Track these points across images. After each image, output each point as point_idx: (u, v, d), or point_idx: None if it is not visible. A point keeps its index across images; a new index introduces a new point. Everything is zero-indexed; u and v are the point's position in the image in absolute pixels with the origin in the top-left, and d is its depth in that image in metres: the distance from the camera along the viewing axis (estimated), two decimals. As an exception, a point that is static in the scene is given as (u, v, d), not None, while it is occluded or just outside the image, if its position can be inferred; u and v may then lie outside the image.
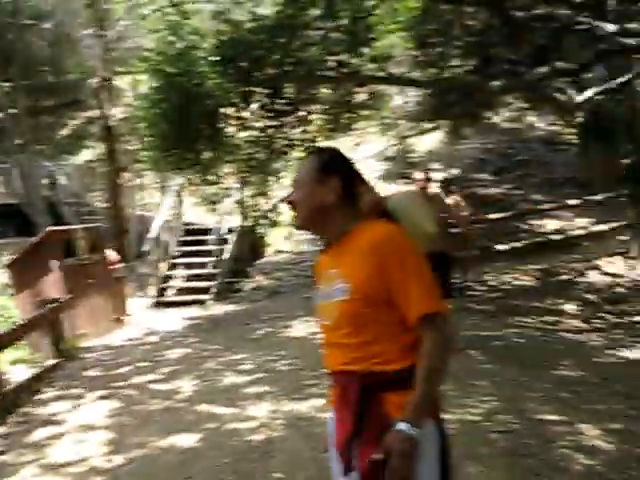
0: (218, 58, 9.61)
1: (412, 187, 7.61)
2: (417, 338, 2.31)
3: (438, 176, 17.93)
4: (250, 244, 15.50)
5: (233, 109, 10.59)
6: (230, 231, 15.08)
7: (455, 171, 19.34)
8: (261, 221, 13.01)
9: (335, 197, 2.44)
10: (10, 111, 17.90)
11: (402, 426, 2.18)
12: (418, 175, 7.83)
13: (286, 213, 13.45)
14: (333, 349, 2.45)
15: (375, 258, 2.31)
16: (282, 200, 13.15)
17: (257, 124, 11.18)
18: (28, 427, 6.47)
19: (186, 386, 7.33)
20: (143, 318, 12.13)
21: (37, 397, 7.45)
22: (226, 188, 12.31)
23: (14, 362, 8.94)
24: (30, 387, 7.63)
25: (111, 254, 11.91)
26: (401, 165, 18.82)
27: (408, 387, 2.26)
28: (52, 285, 10.01)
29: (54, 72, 26.96)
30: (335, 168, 2.49)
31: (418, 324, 2.29)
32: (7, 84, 19.83)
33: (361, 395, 2.31)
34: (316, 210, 2.45)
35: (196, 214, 16.03)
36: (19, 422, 6.67)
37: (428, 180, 7.91)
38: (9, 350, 8.33)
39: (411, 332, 2.32)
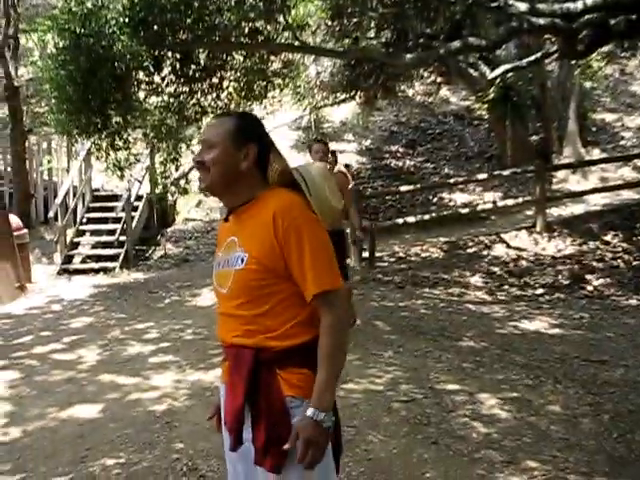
0: (129, 20, 9.33)
1: (310, 158, 7.49)
2: (314, 313, 2.29)
3: (349, 148, 18.05)
4: (160, 212, 15.25)
5: (144, 73, 10.33)
6: (139, 198, 14.79)
7: (368, 142, 19.46)
8: (171, 188, 12.75)
9: (250, 163, 2.38)
10: None
11: (313, 413, 2.17)
12: (317, 146, 7.64)
13: (196, 181, 13.31)
14: (227, 319, 2.40)
15: (274, 228, 2.26)
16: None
17: (169, 89, 10.93)
18: None
19: (89, 356, 7.19)
20: (48, 286, 11.78)
21: None
22: (135, 154, 12.02)
23: None
24: None
25: (14, 219, 11.51)
26: (314, 135, 18.79)
27: (302, 363, 2.25)
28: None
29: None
30: (252, 134, 2.42)
31: (314, 301, 2.27)
32: None
33: (253, 370, 2.28)
34: (228, 175, 2.37)
35: (105, 180, 15.65)
36: None
37: (328, 152, 7.82)
38: None
39: (309, 306, 2.30)
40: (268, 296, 2.29)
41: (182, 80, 10.74)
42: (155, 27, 9.46)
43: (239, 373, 2.32)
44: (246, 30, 10.25)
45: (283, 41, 10.60)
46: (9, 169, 15.65)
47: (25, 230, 11.85)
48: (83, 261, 13.61)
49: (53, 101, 10.03)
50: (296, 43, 10.61)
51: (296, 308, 2.31)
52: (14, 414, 5.57)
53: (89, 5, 9.54)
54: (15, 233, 11.17)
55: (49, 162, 15.88)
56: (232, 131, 2.39)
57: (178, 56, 10.34)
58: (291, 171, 2.49)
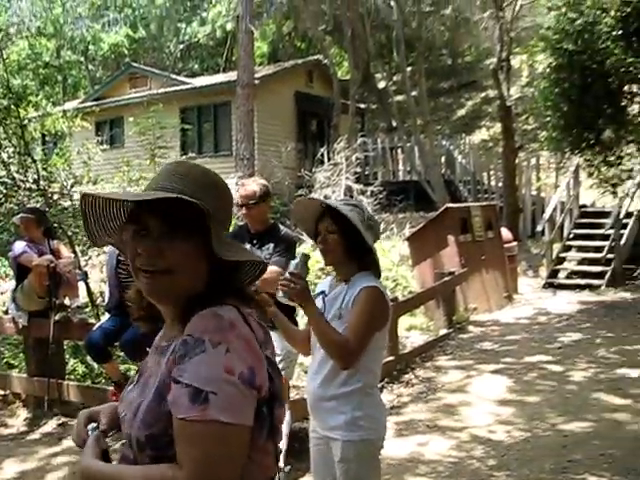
0: (622, 32, 9.16)
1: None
2: None
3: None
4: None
5: (638, 86, 10.04)
6: (629, 215, 14.17)
7: None
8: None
9: None
10: (412, 93, 18.81)
11: None
12: None
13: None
14: None
15: None
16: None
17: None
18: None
19: (575, 370, 7.20)
20: (533, 298, 12.00)
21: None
22: (627, 170, 11.63)
23: (409, 328, 9.41)
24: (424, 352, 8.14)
25: (505, 232, 11.94)
26: None
27: None
28: (448, 259, 10.31)
29: (452, 55, 28.25)
30: None
31: None
32: (410, 68, 20.95)
33: None
34: None
35: (593, 196, 15.36)
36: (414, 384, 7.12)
37: None
38: (405, 317, 8.84)
39: None
40: None
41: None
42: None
43: None
44: None
45: None
46: (500, 184, 16.38)
47: (515, 243, 12.24)
48: (568, 276, 13.51)
49: (547, 119, 10.30)
50: None
51: None
52: (500, 415, 5.92)
53: (580, 22, 9.63)
54: (505, 245, 11.60)
55: (538, 178, 16.22)
56: None
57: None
58: None
